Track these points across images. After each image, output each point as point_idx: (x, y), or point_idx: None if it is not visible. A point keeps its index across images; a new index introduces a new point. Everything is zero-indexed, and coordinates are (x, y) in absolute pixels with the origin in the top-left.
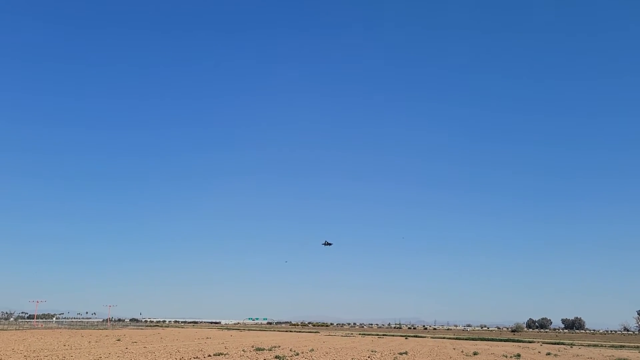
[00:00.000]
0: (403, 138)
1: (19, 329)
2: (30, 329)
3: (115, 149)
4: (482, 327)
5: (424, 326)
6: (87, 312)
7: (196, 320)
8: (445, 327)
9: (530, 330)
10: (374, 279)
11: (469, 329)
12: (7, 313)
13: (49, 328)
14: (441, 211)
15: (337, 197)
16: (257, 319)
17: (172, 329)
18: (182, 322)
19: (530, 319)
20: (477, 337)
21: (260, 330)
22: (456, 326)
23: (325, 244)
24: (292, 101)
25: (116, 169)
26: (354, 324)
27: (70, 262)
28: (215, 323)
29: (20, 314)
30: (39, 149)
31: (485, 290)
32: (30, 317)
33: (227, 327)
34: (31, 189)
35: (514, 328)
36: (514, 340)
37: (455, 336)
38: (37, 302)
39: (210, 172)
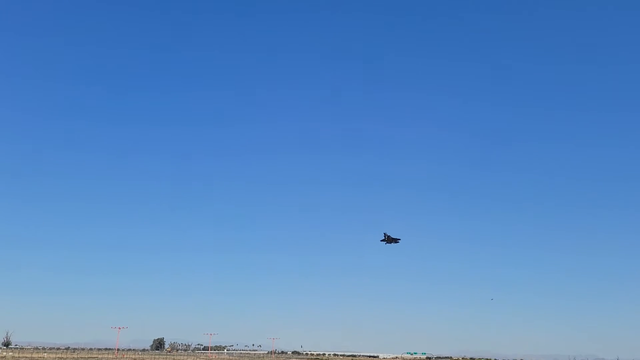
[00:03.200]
0: None
1: None
2: None
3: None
4: None
5: None
6: (252, 344)
7: (354, 353)
8: None
9: None
10: (540, 308)
11: None
12: (186, 345)
13: (221, 359)
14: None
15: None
16: (415, 353)
17: None
18: (340, 354)
19: None
20: None
21: None
22: None
23: (386, 241)
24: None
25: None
26: (522, 359)
27: (237, 296)
28: (374, 357)
29: (197, 346)
30: (182, 180)
31: None
32: (205, 348)
33: None
34: (191, 224)
35: None
36: None
37: None
38: (210, 335)
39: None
